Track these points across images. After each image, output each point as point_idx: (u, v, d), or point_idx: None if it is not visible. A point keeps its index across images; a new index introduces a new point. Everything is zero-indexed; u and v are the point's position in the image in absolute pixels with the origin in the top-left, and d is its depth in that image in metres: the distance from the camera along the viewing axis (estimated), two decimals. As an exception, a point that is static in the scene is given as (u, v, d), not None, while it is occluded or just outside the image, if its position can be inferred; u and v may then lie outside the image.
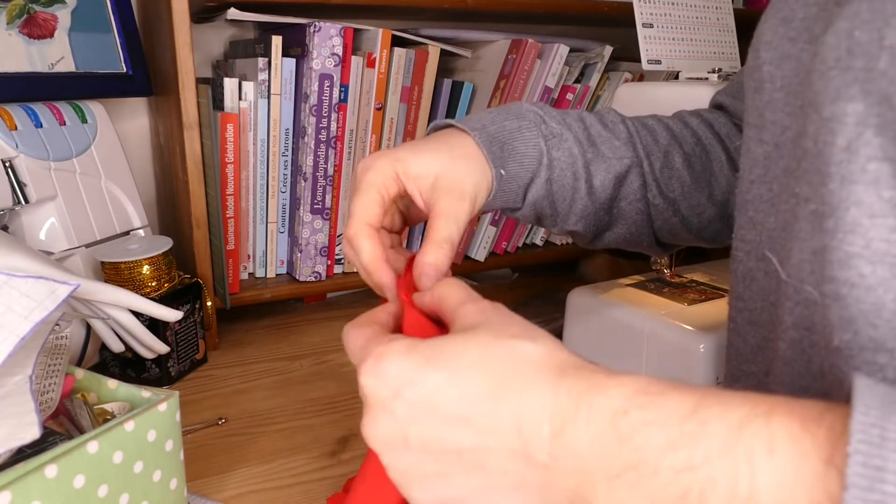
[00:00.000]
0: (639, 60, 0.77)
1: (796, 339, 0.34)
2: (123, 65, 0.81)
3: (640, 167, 0.53)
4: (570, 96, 0.99)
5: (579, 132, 0.52)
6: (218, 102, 0.85)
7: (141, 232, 0.83)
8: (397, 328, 0.39)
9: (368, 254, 0.42)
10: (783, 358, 0.35)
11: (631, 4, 0.76)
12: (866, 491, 0.21)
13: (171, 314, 0.66)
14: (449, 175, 0.45)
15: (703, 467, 0.24)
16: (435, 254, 0.41)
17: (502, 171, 0.48)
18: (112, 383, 0.51)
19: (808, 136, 0.32)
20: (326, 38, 0.82)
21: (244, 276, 0.91)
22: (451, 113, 0.96)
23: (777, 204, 0.38)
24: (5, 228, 0.72)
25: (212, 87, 0.84)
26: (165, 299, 0.70)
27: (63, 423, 0.50)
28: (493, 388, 0.29)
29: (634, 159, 0.53)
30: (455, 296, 0.36)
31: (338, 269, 0.94)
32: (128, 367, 0.72)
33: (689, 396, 0.26)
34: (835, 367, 0.30)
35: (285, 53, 0.84)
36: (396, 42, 0.89)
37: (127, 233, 0.81)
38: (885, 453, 0.21)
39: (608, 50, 0.99)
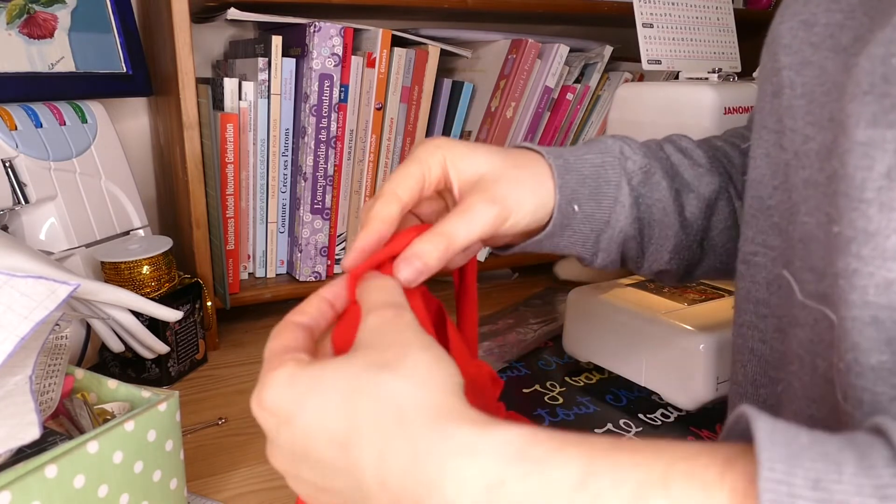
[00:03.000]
0: (639, 60, 0.77)
1: (812, 354, 0.34)
2: (123, 65, 0.81)
3: (727, 192, 0.50)
4: (570, 96, 0.99)
5: (665, 164, 0.49)
6: (218, 102, 0.85)
7: (141, 232, 0.83)
8: (337, 316, 0.38)
9: (375, 210, 0.39)
10: (816, 374, 0.35)
11: (631, 4, 0.76)
12: None
13: (171, 314, 0.66)
14: (494, 179, 0.41)
15: None
16: (423, 244, 0.38)
17: (575, 207, 0.44)
18: (112, 383, 0.51)
19: (836, 157, 0.31)
20: (326, 38, 0.82)
21: (244, 276, 0.91)
22: (451, 113, 0.96)
23: (796, 214, 0.37)
24: (5, 228, 0.72)
25: (212, 87, 0.84)
26: (165, 299, 0.70)
27: (63, 423, 0.50)
28: (353, 437, 0.28)
29: (721, 185, 0.50)
30: (367, 302, 0.34)
31: (338, 269, 0.94)
32: (128, 367, 0.72)
33: (574, 461, 0.25)
34: (858, 388, 0.30)
35: (285, 53, 0.84)
36: (396, 42, 0.89)
37: (127, 233, 0.81)
38: None
39: (608, 50, 0.99)
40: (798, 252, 0.37)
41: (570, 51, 0.95)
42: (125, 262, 0.70)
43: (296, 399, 0.30)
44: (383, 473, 0.27)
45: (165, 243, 0.73)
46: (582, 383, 0.75)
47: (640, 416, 0.68)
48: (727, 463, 0.23)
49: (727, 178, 0.51)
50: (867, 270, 0.29)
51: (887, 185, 0.28)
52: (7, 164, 0.69)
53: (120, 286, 0.64)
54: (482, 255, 1.01)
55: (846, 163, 0.30)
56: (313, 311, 0.37)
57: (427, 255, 0.38)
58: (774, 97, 0.39)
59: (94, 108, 0.79)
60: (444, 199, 0.45)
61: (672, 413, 0.68)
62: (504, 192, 0.41)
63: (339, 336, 0.36)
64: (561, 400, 0.71)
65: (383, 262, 0.38)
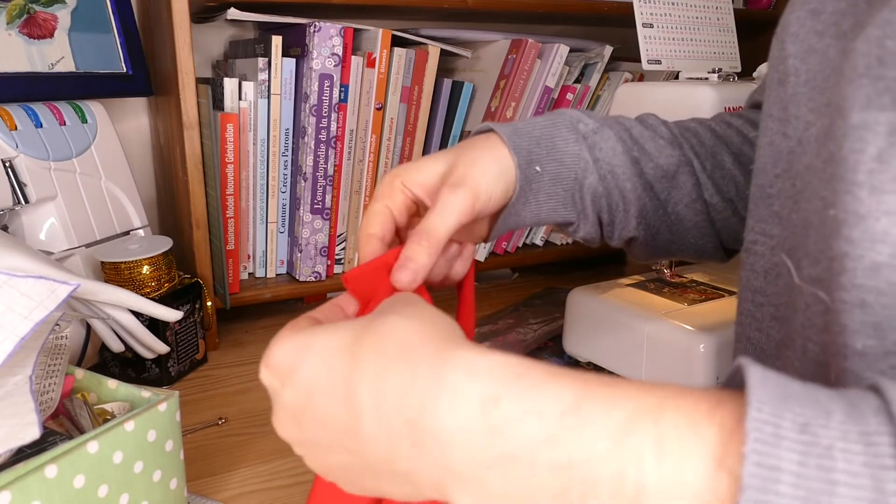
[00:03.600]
0: (639, 60, 0.77)
1: (804, 338, 0.34)
2: (123, 65, 0.81)
3: (689, 166, 0.51)
4: (570, 96, 0.99)
5: (620, 131, 0.50)
6: (218, 102, 0.85)
7: (141, 232, 0.83)
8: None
9: (365, 255, 0.43)
10: (806, 357, 0.35)
11: (631, 4, 0.76)
12: (760, 492, 0.20)
13: (171, 314, 0.66)
14: (451, 168, 0.44)
15: (584, 466, 0.23)
16: (409, 248, 0.40)
17: (537, 168, 0.46)
18: (112, 383, 0.51)
19: (833, 140, 0.32)
20: (326, 38, 0.82)
21: (244, 276, 0.91)
22: (451, 113, 0.96)
23: (799, 202, 0.37)
24: (5, 228, 0.72)
25: (212, 87, 0.84)
26: (165, 299, 0.70)
27: (63, 423, 0.50)
28: (355, 378, 0.29)
29: (682, 158, 0.51)
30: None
31: (338, 269, 0.94)
32: (128, 367, 0.72)
33: (569, 388, 0.25)
34: (848, 372, 0.30)
35: (285, 53, 0.84)
36: (396, 42, 0.89)
37: (127, 233, 0.81)
38: (781, 452, 0.21)
39: (608, 50, 0.99)
40: (799, 238, 0.37)
41: (570, 51, 0.95)
42: (125, 262, 0.70)
43: (300, 349, 0.31)
44: (380, 398, 0.28)
45: (165, 243, 0.73)
46: (582, 383, 0.75)
47: (640, 416, 0.67)
48: (719, 402, 0.24)
49: (692, 152, 0.52)
50: (856, 253, 0.29)
51: (878, 167, 0.28)
52: (7, 164, 0.69)
53: (120, 286, 0.64)
54: (482, 255, 1.01)
55: (841, 146, 0.30)
56: (326, 310, 0.39)
57: (416, 255, 0.40)
58: (780, 85, 0.40)
59: (94, 108, 0.80)
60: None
61: (672, 413, 0.68)
62: (463, 173, 0.43)
63: None
64: (561, 400, 0.71)
65: (376, 269, 0.40)
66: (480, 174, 0.43)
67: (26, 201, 0.70)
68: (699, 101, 0.71)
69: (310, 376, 0.31)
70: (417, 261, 0.40)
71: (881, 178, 0.28)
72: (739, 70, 0.82)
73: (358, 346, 0.30)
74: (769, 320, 0.41)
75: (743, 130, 0.55)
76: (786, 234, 0.39)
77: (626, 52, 1.02)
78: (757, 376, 0.23)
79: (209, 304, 0.80)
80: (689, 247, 0.54)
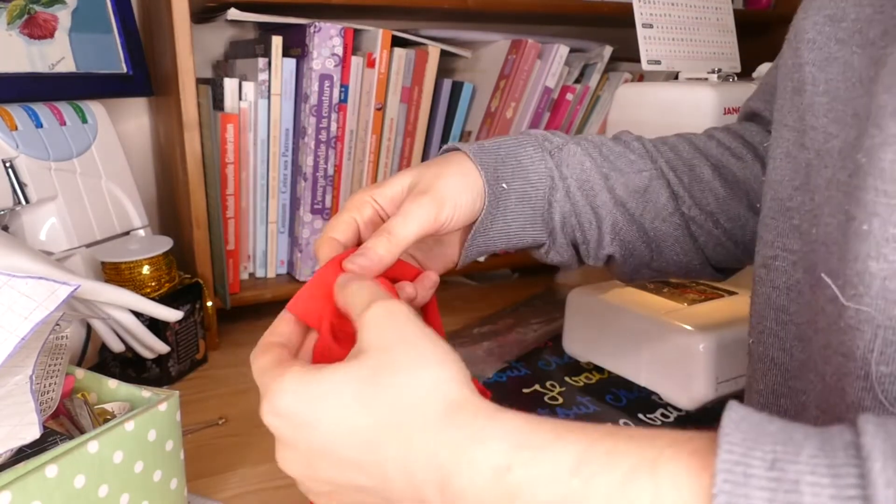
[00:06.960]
0: (639, 60, 0.77)
1: (830, 363, 0.33)
2: (124, 65, 0.81)
3: (663, 179, 0.50)
4: (570, 96, 0.99)
5: (589, 147, 0.50)
6: (218, 103, 0.85)
7: (141, 232, 0.83)
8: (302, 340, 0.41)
9: (324, 256, 0.43)
10: (824, 381, 0.34)
11: (631, 4, 0.76)
12: None
13: (171, 314, 0.66)
14: (419, 180, 0.45)
15: None
16: (370, 241, 0.41)
17: (504, 185, 0.46)
18: (112, 383, 0.51)
19: (861, 152, 0.30)
20: (326, 39, 0.82)
21: (244, 276, 0.91)
22: (451, 113, 0.96)
23: (819, 216, 0.36)
24: (6, 228, 0.72)
25: (212, 88, 0.84)
26: (166, 299, 0.70)
27: (63, 423, 0.50)
28: (378, 435, 0.30)
29: (655, 171, 0.50)
30: (358, 302, 0.35)
31: (338, 269, 0.94)
32: (128, 366, 0.72)
33: (571, 447, 0.26)
34: (865, 399, 0.29)
35: (285, 54, 0.84)
36: (396, 42, 0.89)
37: (127, 233, 0.81)
38: (750, 491, 0.22)
39: (608, 50, 0.99)
40: (819, 255, 0.35)
41: (570, 51, 0.95)
42: (125, 262, 0.70)
43: (314, 401, 0.31)
44: (409, 466, 0.29)
45: (165, 243, 0.73)
46: (582, 383, 0.75)
47: (640, 416, 0.68)
48: (712, 451, 0.24)
49: (667, 166, 0.51)
50: (883, 271, 0.28)
51: None
52: (7, 164, 0.69)
53: (120, 286, 0.64)
54: (482, 257, 1.01)
55: (875, 156, 0.29)
56: (285, 332, 0.40)
57: (375, 245, 0.41)
58: (795, 94, 0.38)
59: (95, 108, 0.80)
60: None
61: (672, 413, 0.68)
62: (429, 182, 0.44)
63: (318, 350, 0.39)
64: (561, 400, 0.71)
65: (319, 287, 0.41)
66: (445, 185, 0.44)
67: (27, 201, 0.70)
68: (699, 101, 0.71)
69: (332, 430, 0.31)
70: (375, 250, 0.40)
71: None
72: (739, 70, 0.82)
73: (377, 407, 0.30)
74: (793, 339, 0.40)
75: (725, 142, 0.54)
76: (806, 250, 0.38)
77: (626, 53, 1.02)
78: (733, 418, 0.24)
79: (209, 304, 0.80)
80: (671, 263, 0.53)
